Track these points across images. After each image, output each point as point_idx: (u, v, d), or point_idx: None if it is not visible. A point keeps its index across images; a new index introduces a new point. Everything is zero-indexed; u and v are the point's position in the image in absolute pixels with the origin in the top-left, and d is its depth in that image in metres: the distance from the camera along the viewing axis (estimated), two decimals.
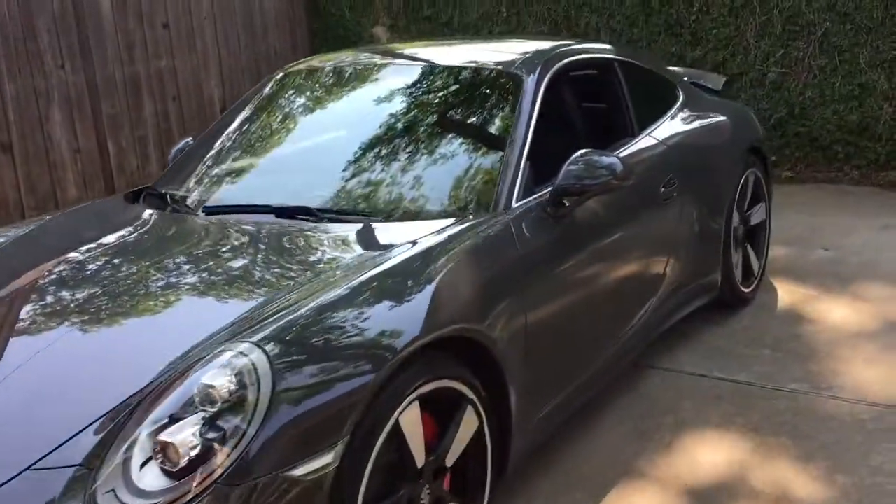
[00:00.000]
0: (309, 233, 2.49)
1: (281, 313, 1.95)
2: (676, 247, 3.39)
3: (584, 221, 2.78)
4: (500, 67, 3.03)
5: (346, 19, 7.93)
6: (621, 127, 3.40)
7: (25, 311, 2.27)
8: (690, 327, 3.68)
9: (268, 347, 1.80)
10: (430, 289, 2.13)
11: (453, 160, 2.75)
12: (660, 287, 3.30)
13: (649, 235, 3.21)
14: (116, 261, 2.46)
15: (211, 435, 1.69)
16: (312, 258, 2.39)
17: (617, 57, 3.55)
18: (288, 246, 2.44)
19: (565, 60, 3.13)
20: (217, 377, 1.74)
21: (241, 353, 1.79)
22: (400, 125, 2.90)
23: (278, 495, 1.68)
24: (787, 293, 4.04)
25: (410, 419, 1.96)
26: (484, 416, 2.22)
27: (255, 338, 1.84)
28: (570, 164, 2.62)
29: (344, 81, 3.20)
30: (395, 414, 1.91)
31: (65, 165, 5.91)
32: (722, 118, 3.91)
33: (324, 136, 3.09)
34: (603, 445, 2.83)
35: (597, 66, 3.49)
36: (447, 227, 2.44)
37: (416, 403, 1.98)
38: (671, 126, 3.56)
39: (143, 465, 1.69)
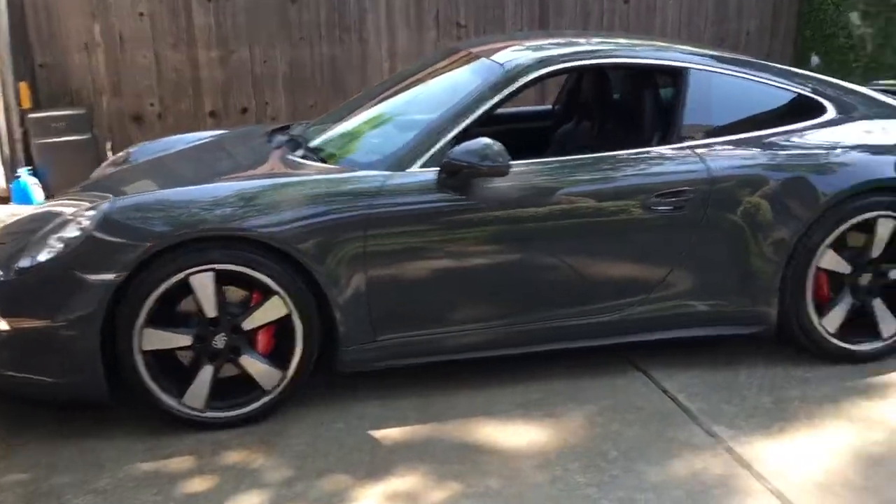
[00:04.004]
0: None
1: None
2: (682, 261, 3.32)
3: (494, 200, 3.13)
4: (484, 57, 3.52)
5: (826, 3, 7.55)
6: (642, 132, 3.47)
7: None
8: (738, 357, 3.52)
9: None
10: (277, 204, 2.97)
11: (410, 123, 3.35)
12: (645, 291, 3.33)
13: (614, 237, 3.27)
14: None
15: None
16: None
17: (653, 62, 3.56)
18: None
19: (553, 67, 3.37)
20: None
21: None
22: (402, 98, 3.59)
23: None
24: None
25: (201, 281, 2.91)
26: (294, 310, 3.00)
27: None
28: (465, 143, 3.05)
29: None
30: (184, 273, 2.90)
31: None
32: (839, 150, 3.41)
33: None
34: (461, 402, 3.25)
35: (622, 69, 3.69)
36: (344, 171, 3.17)
37: (212, 273, 2.92)
38: (731, 142, 3.40)
39: None
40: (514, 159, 3.20)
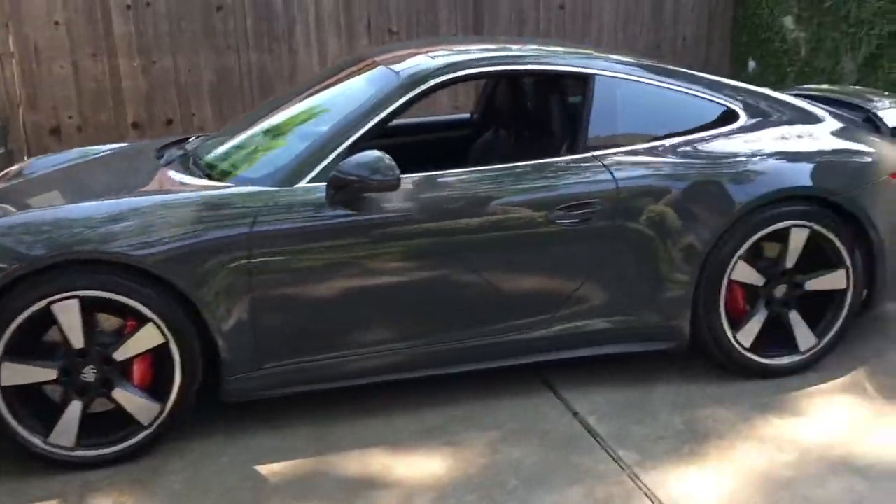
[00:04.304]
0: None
1: None
2: (591, 276, 3.16)
3: (387, 216, 2.96)
4: (384, 65, 3.34)
5: (760, 8, 7.51)
6: (551, 142, 3.31)
7: None
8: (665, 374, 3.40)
9: None
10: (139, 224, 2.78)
11: (304, 136, 3.16)
12: (554, 309, 3.17)
13: (517, 253, 3.11)
14: None
15: None
16: None
17: (558, 68, 3.39)
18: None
19: (452, 75, 3.19)
20: None
21: None
22: (299, 109, 3.41)
23: None
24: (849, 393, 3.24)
25: (64, 308, 2.69)
26: (171, 338, 2.79)
27: None
28: (355, 156, 2.88)
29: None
30: (46, 301, 2.68)
31: None
32: (751, 158, 3.27)
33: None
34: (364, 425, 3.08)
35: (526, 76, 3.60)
36: (227, 188, 2.98)
37: (76, 301, 2.70)
38: (638, 152, 3.26)
39: None
40: (425, 170, 3.06)
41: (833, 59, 6.75)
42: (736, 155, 3.28)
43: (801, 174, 3.28)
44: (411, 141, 4.37)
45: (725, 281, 3.24)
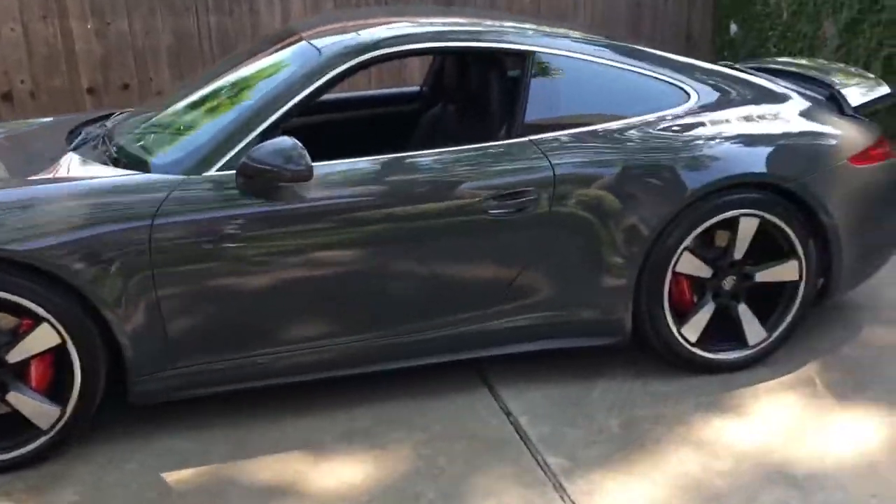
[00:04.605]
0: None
1: None
2: (527, 268, 2.97)
3: (303, 204, 2.76)
4: (307, 41, 3.12)
5: None
6: (488, 124, 3.10)
7: None
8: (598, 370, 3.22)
9: None
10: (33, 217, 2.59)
11: (221, 118, 2.93)
12: (489, 303, 3.01)
13: (446, 245, 2.92)
14: None
15: None
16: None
17: (494, 45, 3.14)
18: None
19: (376, 53, 2.96)
20: None
21: None
22: (221, 87, 3.18)
23: None
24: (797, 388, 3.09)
25: None
26: (68, 338, 2.62)
27: None
28: (269, 143, 2.69)
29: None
30: None
31: None
32: (700, 142, 3.06)
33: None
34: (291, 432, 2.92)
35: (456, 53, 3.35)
36: (131, 175, 2.78)
37: None
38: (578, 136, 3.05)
39: None
40: (365, 148, 2.88)
41: (814, 23, 6.49)
42: (684, 139, 3.07)
43: (752, 160, 3.08)
44: (357, 116, 4.16)
45: (669, 273, 3.06)
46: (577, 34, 3.30)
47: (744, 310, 3.19)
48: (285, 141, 2.67)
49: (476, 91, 3.37)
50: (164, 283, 2.68)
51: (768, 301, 3.23)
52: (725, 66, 3.61)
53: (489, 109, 3.20)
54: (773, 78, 3.56)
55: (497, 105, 3.17)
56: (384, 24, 3.19)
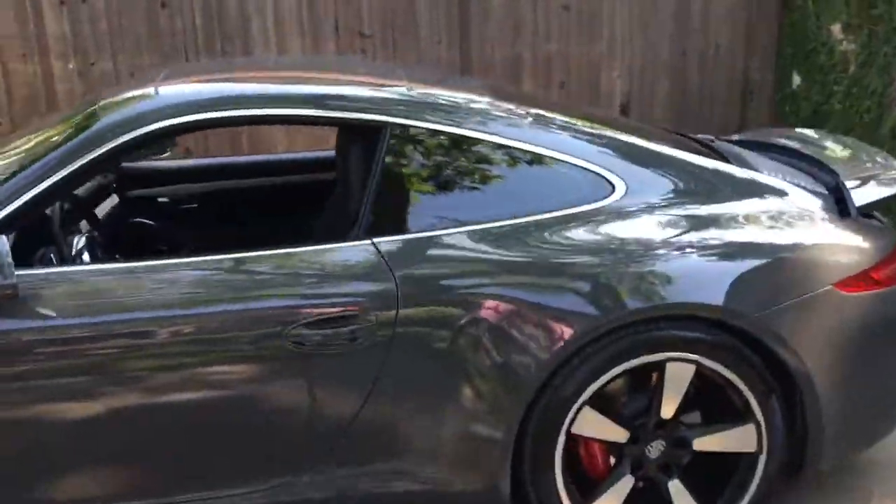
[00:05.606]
0: None
1: None
2: (354, 422, 2.16)
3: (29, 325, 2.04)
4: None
5: (807, 14, 6.23)
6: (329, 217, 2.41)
7: None
8: None
9: None
10: None
11: None
12: (295, 470, 2.17)
13: (237, 389, 2.13)
14: None
15: None
16: None
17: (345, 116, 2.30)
18: None
19: (144, 130, 2.17)
20: None
21: None
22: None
23: None
24: None
25: None
26: None
27: None
28: None
29: None
30: None
31: None
32: (617, 255, 2.19)
33: None
34: None
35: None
36: None
37: None
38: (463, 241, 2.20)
39: None
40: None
41: (885, 77, 5.44)
42: (590, 248, 2.20)
43: (686, 282, 2.18)
44: (268, 183, 3.47)
45: (562, 436, 2.19)
46: (471, 95, 2.47)
47: (677, 487, 2.28)
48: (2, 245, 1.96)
49: (327, 171, 2.60)
50: None
51: (719, 474, 2.32)
52: (705, 140, 2.75)
53: (334, 198, 2.43)
54: (762, 160, 2.66)
55: (341, 192, 2.39)
56: (186, 88, 2.44)
